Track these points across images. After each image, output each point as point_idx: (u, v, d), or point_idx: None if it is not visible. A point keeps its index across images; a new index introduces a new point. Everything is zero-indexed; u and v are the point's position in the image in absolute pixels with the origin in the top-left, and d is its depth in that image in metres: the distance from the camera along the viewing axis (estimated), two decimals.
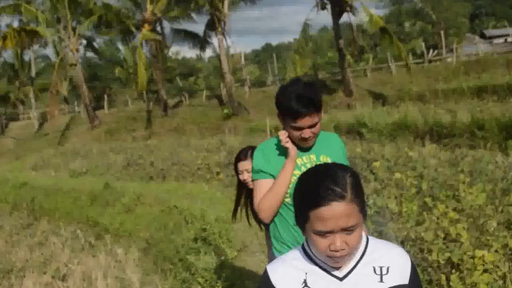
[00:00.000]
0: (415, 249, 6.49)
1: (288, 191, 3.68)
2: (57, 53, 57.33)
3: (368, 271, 2.28)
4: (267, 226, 4.97)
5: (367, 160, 12.51)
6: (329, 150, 3.83)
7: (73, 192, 17.36)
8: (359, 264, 2.30)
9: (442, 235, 6.47)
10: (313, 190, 2.16)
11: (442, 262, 5.96)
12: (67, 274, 9.41)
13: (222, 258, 8.54)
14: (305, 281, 2.30)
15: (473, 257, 5.73)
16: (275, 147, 3.81)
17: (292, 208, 3.52)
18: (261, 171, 3.78)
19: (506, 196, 7.97)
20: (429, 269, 6.09)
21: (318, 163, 3.61)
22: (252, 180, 3.90)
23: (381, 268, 2.28)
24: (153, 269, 9.53)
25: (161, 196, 14.05)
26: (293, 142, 3.72)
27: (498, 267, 5.62)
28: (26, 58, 68.76)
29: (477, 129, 15.61)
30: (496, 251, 5.89)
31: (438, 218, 7.04)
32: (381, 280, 2.26)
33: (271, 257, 4.44)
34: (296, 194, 2.29)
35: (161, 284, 8.48)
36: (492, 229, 6.57)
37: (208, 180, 17.33)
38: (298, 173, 3.67)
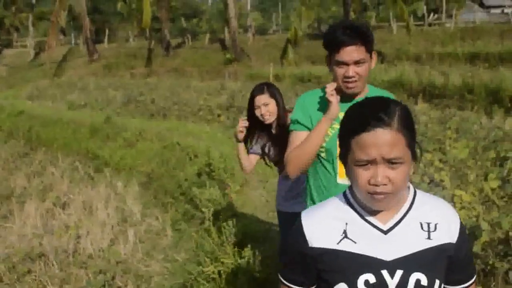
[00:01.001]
0: None
1: (325, 145, 3.48)
2: None
3: (415, 226, 2.08)
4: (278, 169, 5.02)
5: None
6: None
7: (72, 124, 17.33)
8: (405, 218, 2.10)
9: (427, 180, 7.26)
10: (358, 116, 2.00)
11: None
12: (67, 203, 9.42)
13: (226, 191, 8.61)
14: (345, 232, 2.09)
15: (452, 197, 6.33)
16: (318, 99, 3.58)
17: (325, 163, 3.55)
18: (298, 122, 3.58)
19: (486, 153, 8.88)
20: None
21: None
22: (289, 130, 3.68)
23: (428, 224, 2.09)
24: (153, 202, 9.61)
25: (163, 133, 14.04)
26: (338, 93, 3.46)
27: (474, 207, 6.16)
28: None
29: (467, 93, 16.37)
30: (472, 193, 6.63)
31: (425, 166, 7.97)
32: (429, 237, 2.07)
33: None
34: (342, 124, 2.10)
35: (161, 216, 8.51)
36: (472, 178, 7.41)
37: (209, 121, 17.36)
38: (337, 126, 3.22)
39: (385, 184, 1.93)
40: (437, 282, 2.01)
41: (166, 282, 6.22)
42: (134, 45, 51.86)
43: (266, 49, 39.29)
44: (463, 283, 2.15)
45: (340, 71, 3.34)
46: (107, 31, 56.86)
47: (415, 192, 2.17)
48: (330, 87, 3.40)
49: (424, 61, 25.51)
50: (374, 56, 3.41)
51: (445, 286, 2.14)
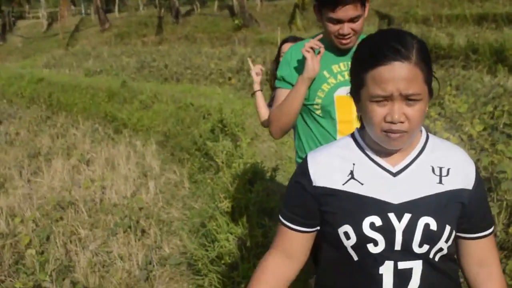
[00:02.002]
0: None
1: (320, 102, 3.28)
2: None
3: (426, 170, 2.00)
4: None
5: None
6: None
7: (90, 89, 17.90)
8: (416, 161, 2.01)
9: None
10: (374, 49, 1.89)
11: None
12: (91, 160, 10.09)
13: (238, 143, 9.06)
14: (351, 173, 2.01)
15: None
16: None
17: (321, 121, 3.34)
18: (283, 79, 3.37)
19: (484, 107, 9.32)
20: None
21: None
22: (275, 88, 3.51)
23: (440, 168, 2.00)
24: (171, 159, 10.19)
25: (177, 95, 14.58)
26: (329, 44, 3.24)
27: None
28: None
29: (472, 53, 16.53)
30: (460, 137, 7.45)
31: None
32: (440, 182, 1.98)
33: None
34: (354, 57, 2.00)
35: (179, 171, 9.16)
36: (467, 129, 7.98)
37: (220, 84, 17.85)
38: (333, 81, 3.26)
39: (402, 122, 1.86)
40: (448, 228, 1.93)
41: (185, 225, 6.85)
42: (144, 14, 52.15)
43: (274, 15, 39.60)
44: (483, 231, 2.07)
45: (334, 28, 3.13)
46: (117, 0, 57.19)
47: (427, 135, 2.11)
48: (309, 44, 3.19)
49: (431, 23, 25.55)
50: (367, 4, 3.20)
51: (461, 234, 2.07)
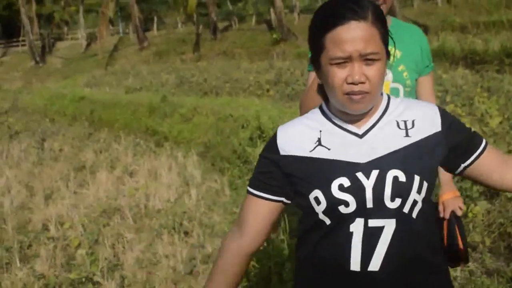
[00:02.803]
0: None
1: None
2: None
3: (391, 127, 2.03)
4: None
5: None
6: (402, 43, 3.05)
7: (131, 105, 18.29)
8: (381, 120, 2.05)
9: None
10: (331, 11, 1.92)
11: None
12: (134, 172, 10.42)
13: None
14: (319, 140, 2.05)
15: None
16: None
17: None
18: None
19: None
20: None
21: None
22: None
23: (405, 122, 2.04)
24: (211, 168, 10.43)
25: (216, 108, 14.87)
26: None
27: None
28: None
29: (506, 57, 16.70)
30: (481, 129, 7.99)
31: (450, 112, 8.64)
32: (407, 134, 2.01)
33: None
34: (311, 24, 2.02)
35: (219, 179, 9.42)
36: (492, 125, 8.40)
37: (259, 96, 18.03)
38: None
39: (363, 83, 1.88)
40: (417, 178, 1.94)
41: (227, 228, 7.09)
42: (183, 31, 52.70)
43: None
44: (479, 145, 2.10)
45: None
46: (155, 19, 57.92)
47: (388, 96, 2.15)
48: None
49: (469, 30, 25.61)
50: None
51: (468, 163, 2.10)
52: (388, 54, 1.99)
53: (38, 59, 51.24)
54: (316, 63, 2.03)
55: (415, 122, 2.04)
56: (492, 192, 6.19)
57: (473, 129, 2.17)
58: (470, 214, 5.87)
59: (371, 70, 1.88)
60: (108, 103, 20.01)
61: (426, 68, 3.31)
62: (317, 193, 1.97)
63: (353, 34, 1.86)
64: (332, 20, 1.89)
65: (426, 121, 2.04)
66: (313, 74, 3.07)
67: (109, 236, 6.91)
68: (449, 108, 9.28)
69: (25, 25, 51.52)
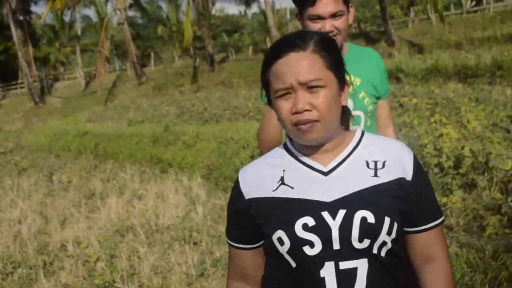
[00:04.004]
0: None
1: None
2: (98, 13, 59.00)
3: (360, 166, 1.96)
4: None
5: (397, 96, 15.36)
6: (360, 70, 3.09)
7: (135, 136, 18.83)
8: (349, 158, 1.98)
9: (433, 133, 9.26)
10: (274, 47, 1.93)
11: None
12: (142, 196, 10.90)
13: None
14: (282, 179, 1.98)
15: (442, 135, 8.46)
16: None
17: None
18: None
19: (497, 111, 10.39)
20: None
21: None
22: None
23: (375, 162, 1.96)
24: (215, 188, 10.92)
25: (218, 133, 15.38)
26: None
27: (459, 140, 8.29)
28: (66, 19, 69.07)
29: (497, 69, 17.37)
30: (460, 131, 8.82)
31: (436, 123, 10.02)
32: (376, 175, 1.93)
33: None
34: (262, 65, 1.99)
35: (224, 197, 9.90)
36: (475, 130, 9.17)
37: (258, 120, 18.48)
38: None
39: (309, 110, 1.84)
40: (387, 219, 1.85)
41: None
42: (180, 65, 53.20)
43: None
44: (426, 223, 2.00)
45: (315, 26, 2.98)
46: (152, 54, 58.62)
47: (362, 133, 2.08)
48: None
49: (463, 47, 26.30)
50: (352, 9, 3.09)
51: (405, 228, 1.99)
52: (342, 81, 1.95)
53: (37, 99, 51.78)
54: (270, 102, 2.00)
55: (386, 163, 1.96)
56: (469, 184, 6.96)
57: (436, 200, 2.09)
58: (449, 203, 6.68)
59: (317, 98, 1.84)
60: (112, 136, 20.56)
61: (385, 92, 3.26)
62: (280, 233, 1.89)
63: (292, 65, 1.84)
64: (273, 55, 1.91)
65: (398, 165, 1.96)
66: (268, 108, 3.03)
67: (125, 251, 7.39)
68: (435, 117, 9.99)
69: (23, 68, 52.11)
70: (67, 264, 7.15)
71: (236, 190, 2.06)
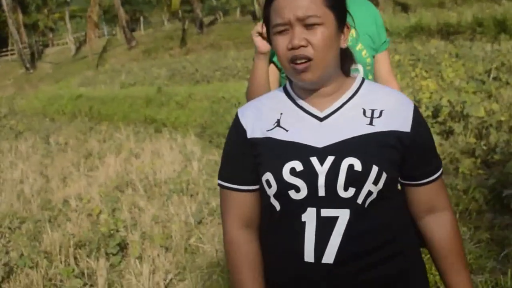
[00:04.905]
0: None
1: None
2: None
3: (356, 113, 1.92)
4: None
5: None
6: (357, 22, 2.56)
7: (128, 98, 19.19)
8: (346, 105, 1.94)
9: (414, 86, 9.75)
10: None
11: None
12: (138, 154, 11.27)
13: None
14: (278, 121, 1.96)
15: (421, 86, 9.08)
16: None
17: None
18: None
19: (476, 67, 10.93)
20: None
21: None
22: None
23: (373, 110, 1.92)
24: (209, 145, 11.31)
25: (209, 93, 15.76)
26: None
27: (437, 92, 8.85)
28: None
29: (477, 26, 17.82)
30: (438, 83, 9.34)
31: (416, 77, 10.59)
32: (371, 123, 1.89)
33: None
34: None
35: (218, 152, 10.27)
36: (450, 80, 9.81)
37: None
38: None
39: (304, 46, 1.82)
40: (375, 168, 1.82)
41: None
42: (169, 28, 53.23)
43: None
44: (429, 176, 1.98)
45: None
46: (141, 19, 58.54)
47: (363, 80, 2.05)
48: (256, 29, 2.92)
49: (447, 5, 26.48)
50: None
51: (406, 181, 2.00)
52: (342, 22, 1.92)
53: (28, 66, 51.81)
54: (269, 38, 1.98)
55: (383, 112, 1.92)
56: (447, 131, 7.57)
57: (436, 151, 2.06)
58: None
59: (313, 35, 1.82)
60: (106, 98, 20.88)
61: (383, 44, 3.19)
62: (269, 175, 1.89)
63: (291, 0, 1.82)
64: None
65: (396, 116, 1.91)
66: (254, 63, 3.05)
67: (125, 204, 7.79)
68: (417, 71, 10.45)
69: (13, 35, 52.05)
70: (71, 217, 7.55)
71: (237, 127, 2.03)
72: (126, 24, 47.72)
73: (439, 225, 1.99)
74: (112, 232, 6.44)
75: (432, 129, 7.78)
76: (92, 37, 47.44)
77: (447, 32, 18.80)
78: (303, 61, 1.82)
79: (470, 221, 5.39)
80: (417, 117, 1.93)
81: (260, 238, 2.06)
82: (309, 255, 1.86)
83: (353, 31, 2.63)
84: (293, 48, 1.82)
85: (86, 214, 7.65)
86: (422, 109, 8.10)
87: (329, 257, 1.84)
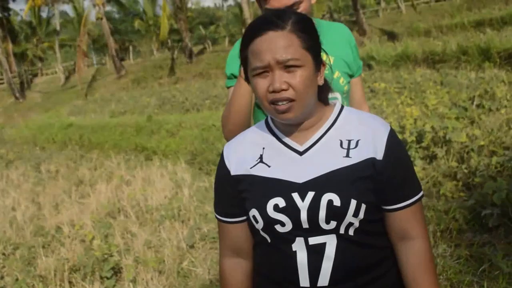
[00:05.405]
0: None
1: None
2: (75, 9, 59.00)
3: (334, 145, 1.97)
4: None
5: (368, 82, 16.68)
6: (332, 47, 2.69)
7: (119, 127, 19.34)
8: (324, 137, 2.00)
9: (397, 112, 10.10)
10: (253, 26, 1.94)
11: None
12: (129, 181, 11.38)
13: None
14: (261, 156, 2.03)
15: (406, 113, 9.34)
16: None
17: None
18: (233, 76, 3.04)
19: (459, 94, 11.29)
20: None
21: None
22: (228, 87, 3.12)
23: (349, 141, 1.97)
24: (199, 172, 11.44)
25: (199, 121, 15.94)
26: None
27: (421, 118, 9.25)
28: (43, 15, 68.65)
29: (462, 55, 18.10)
30: (421, 109, 9.79)
31: (402, 104, 10.88)
32: (347, 155, 1.94)
33: None
34: (241, 42, 2.00)
35: (208, 180, 10.44)
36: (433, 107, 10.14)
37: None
38: None
39: (285, 89, 1.86)
40: (353, 202, 1.88)
41: None
42: (159, 57, 53.37)
43: None
44: (402, 201, 1.99)
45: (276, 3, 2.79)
46: (130, 48, 58.85)
47: (341, 109, 2.09)
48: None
49: (432, 34, 26.85)
50: None
51: (382, 206, 2.01)
52: (318, 61, 1.97)
53: (17, 95, 51.73)
54: (248, 79, 2.02)
55: (359, 142, 1.96)
56: (430, 156, 7.93)
57: (412, 178, 2.06)
58: None
59: (293, 77, 1.86)
60: (96, 127, 21.03)
61: (358, 69, 3.14)
62: (255, 212, 1.97)
63: (270, 43, 1.86)
64: (252, 33, 1.92)
65: (371, 143, 1.96)
66: (231, 90, 2.96)
67: (118, 230, 7.93)
68: (402, 98, 10.77)
69: (2, 64, 52.10)
70: (65, 242, 7.68)
71: (222, 166, 2.12)
72: (116, 53, 47.93)
73: (410, 255, 2.00)
74: (106, 256, 6.59)
75: (416, 154, 8.12)
76: (82, 66, 47.55)
77: (432, 61, 19.13)
78: (285, 102, 1.87)
79: (451, 239, 5.64)
80: (391, 144, 1.97)
81: (255, 267, 2.17)
82: (304, 281, 1.95)
83: (330, 58, 2.63)
84: (274, 91, 1.86)
85: (79, 240, 7.78)
86: (406, 135, 8.37)
87: (323, 279, 1.93)
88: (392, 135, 1.99)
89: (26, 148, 21.78)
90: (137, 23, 66.66)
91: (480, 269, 4.93)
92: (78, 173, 13.27)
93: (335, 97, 2.88)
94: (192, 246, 6.88)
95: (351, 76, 3.05)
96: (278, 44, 1.85)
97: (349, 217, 1.88)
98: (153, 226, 7.98)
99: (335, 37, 2.97)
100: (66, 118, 28.27)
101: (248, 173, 2.02)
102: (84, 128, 21.76)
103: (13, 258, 7.45)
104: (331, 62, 2.73)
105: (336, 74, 2.93)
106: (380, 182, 1.94)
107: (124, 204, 9.17)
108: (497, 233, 5.61)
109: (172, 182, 10.52)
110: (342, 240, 1.91)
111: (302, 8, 2.74)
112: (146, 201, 9.35)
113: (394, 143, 1.98)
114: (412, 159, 7.83)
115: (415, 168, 7.48)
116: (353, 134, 1.97)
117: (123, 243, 7.32)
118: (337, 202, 1.86)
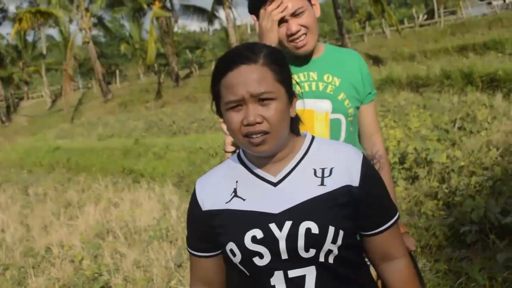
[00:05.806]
0: None
1: None
2: (62, 33, 59.13)
3: (308, 174, 1.99)
4: None
5: None
6: (339, 70, 2.89)
7: (106, 150, 19.45)
8: (298, 167, 2.01)
9: (381, 134, 10.46)
10: (225, 59, 1.95)
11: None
12: (117, 203, 11.48)
13: None
14: (235, 190, 2.03)
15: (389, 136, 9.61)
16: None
17: None
18: None
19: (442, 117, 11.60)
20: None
21: (320, 83, 2.85)
22: None
23: (323, 170, 1.99)
24: (186, 194, 11.51)
25: (187, 144, 16.08)
26: (288, 56, 2.42)
27: (404, 140, 9.49)
28: (29, 39, 68.95)
29: (445, 79, 18.35)
30: (404, 132, 10.13)
31: (386, 126, 11.13)
32: (322, 183, 1.96)
33: None
34: (212, 75, 2.00)
35: None
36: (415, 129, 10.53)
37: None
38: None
39: (260, 123, 1.87)
40: (331, 229, 1.89)
41: None
42: (145, 81, 53.66)
43: None
44: (380, 226, 2.03)
45: (282, 31, 2.78)
46: (117, 72, 59.02)
47: (312, 139, 2.10)
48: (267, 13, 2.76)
49: (417, 58, 27.25)
50: (316, 1, 2.88)
51: (360, 232, 2.05)
52: (290, 93, 1.99)
53: (3, 119, 51.75)
54: (219, 112, 2.03)
55: (333, 170, 1.99)
56: (413, 176, 8.25)
57: (388, 202, 2.11)
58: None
59: (268, 110, 1.87)
60: (83, 150, 21.15)
61: (368, 96, 3.02)
62: (232, 245, 1.96)
63: (243, 77, 1.87)
64: (224, 67, 1.92)
65: (345, 171, 1.98)
66: None
67: (107, 250, 8.05)
68: (386, 121, 11.05)
69: None
70: (55, 263, 7.80)
71: (194, 202, 2.11)
72: (102, 77, 48.12)
73: (396, 273, 2.05)
74: (95, 275, 6.73)
75: (398, 175, 8.38)
76: (68, 90, 47.56)
77: (416, 85, 19.43)
78: (259, 135, 1.88)
79: (430, 254, 5.86)
80: (366, 171, 2.00)
81: None
82: None
83: (336, 80, 2.81)
84: (248, 124, 1.86)
85: (69, 260, 7.89)
86: (389, 156, 8.60)
87: None
88: (365, 161, 2.02)
89: (13, 171, 21.87)
90: (123, 47, 66.93)
91: (458, 282, 5.13)
92: (66, 196, 13.37)
93: (338, 118, 2.86)
94: (180, 266, 7.00)
95: (360, 101, 2.97)
96: (252, 78, 1.86)
97: (327, 244, 1.89)
98: (142, 246, 8.08)
99: (345, 60, 2.94)
100: (53, 141, 28.29)
101: (224, 208, 2.01)
102: (71, 151, 21.87)
103: (3, 278, 7.56)
104: (337, 84, 2.83)
105: (342, 95, 2.87)
106: (357, 209, 1.97)
107: (113, 226, 9.29)
108: (475, 249, 5.83)
109: (160, 204, 10.62)
110: (322, 271, 1.93)
111: (306, 16, 2.74)
112: (135, 222, 9.44)
113: (369, 169, 2.02)
114: (394, 179, 8.08)
115: (397, 188, 7.73)
116: (327, 163, 2.00)
117: (112, 263, 7.42)
118: (315, 229, 1.87)
